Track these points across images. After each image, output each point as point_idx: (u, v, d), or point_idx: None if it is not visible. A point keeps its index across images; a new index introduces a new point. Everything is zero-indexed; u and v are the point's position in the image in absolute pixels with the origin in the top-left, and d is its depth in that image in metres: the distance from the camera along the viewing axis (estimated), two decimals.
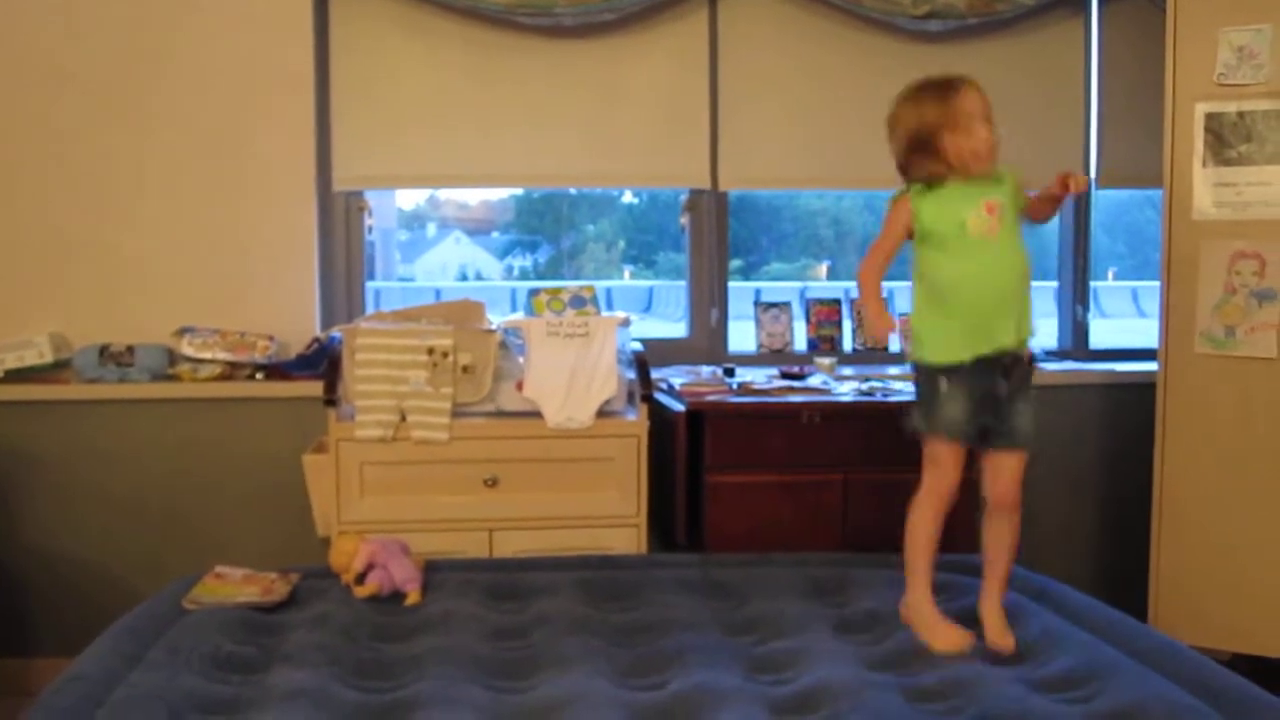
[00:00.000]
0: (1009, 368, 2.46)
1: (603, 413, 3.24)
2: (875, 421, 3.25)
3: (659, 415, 3.31)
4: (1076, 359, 4.11)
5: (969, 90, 2.48)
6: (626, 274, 5.26)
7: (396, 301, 4.00)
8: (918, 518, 2.50)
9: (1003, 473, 2.50)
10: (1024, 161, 3.95)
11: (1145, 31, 3.83)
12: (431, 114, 3.83)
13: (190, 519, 3.66)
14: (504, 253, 5.48)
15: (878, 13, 3.80)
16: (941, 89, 2.49)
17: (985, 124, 2.46)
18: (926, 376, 2.48)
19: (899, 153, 2.51)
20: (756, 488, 3.21)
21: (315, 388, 3.35)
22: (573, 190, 4.61)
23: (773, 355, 4.01)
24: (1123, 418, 3.91)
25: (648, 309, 5.28)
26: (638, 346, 3.45)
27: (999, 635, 2.40)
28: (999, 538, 2.50)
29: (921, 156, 2.47)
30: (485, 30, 3.78)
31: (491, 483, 3.21)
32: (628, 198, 5.12)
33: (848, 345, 4.09)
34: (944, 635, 2.38)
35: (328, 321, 3.81)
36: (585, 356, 3.23)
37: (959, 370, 2.43)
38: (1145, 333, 3.97)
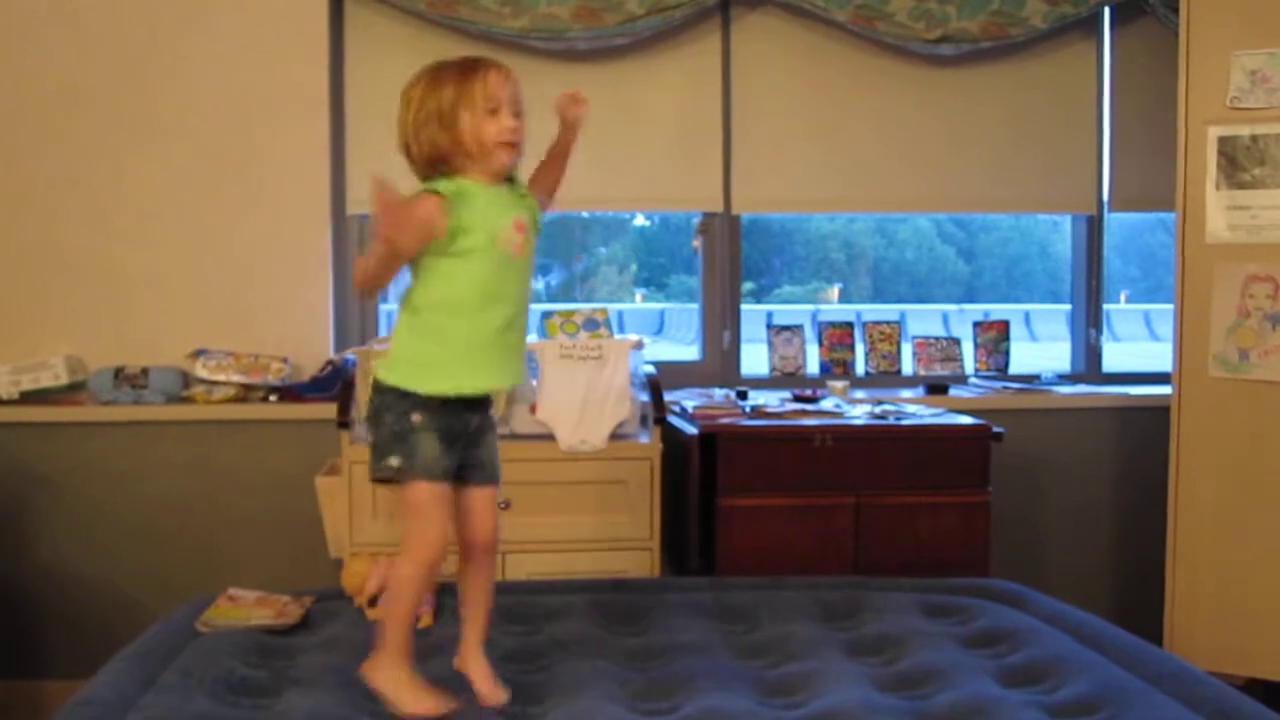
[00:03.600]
0: (481, 401, 2.22)
1: (616, 435, 3.24)
2: (888, 445, 3.25)
3: (672, 438, 3.31)
4: (1089, 382, 4.10)
5: (496, 72, 2.26)
6: (638, 297, 5.27)
7: None
8: (407, 575, 2.12)
9: (479, 511, 2.22)
10: (1037, 185, 4.02)
11: (1158, 54, 3.84)
12: None
13: (203, 541, 3.66)
14: None
15: (891, 37, 3.81)
16: (463, 68, 2.25)
17: (515, 115, 2.24)
18: (395, 406, 2.11)
19: (412, 139, 2.20)
20: (769, 511, 3.21)
21: (329, 410, 3.36)
22: (585, 213, 4.62)
23: (785, 378, 4.01)
24: (1136, 441, 3.90)
25: (659, 331, 5.30)
26: (651, 369, 3.46)
27: (490, 689, 2.18)
28: (479, 585, 2.26)
29: (438, 141, 2.17)
30: (499, 54, 3.73)
31: (504, 505, 3.20)
32: (640, 221, 5.14)
33: (860, 368, 4.09)
34: (418, 700, 2.10)
35: (341, 344, 3.82)
36: (598, 379, 3.23)
37: (436, 403, 2.11)
38: (1158, 356, 3.97)
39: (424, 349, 2.13)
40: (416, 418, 2.10)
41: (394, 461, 2.10)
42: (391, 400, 2.12)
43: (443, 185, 2.13)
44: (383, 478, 2.14)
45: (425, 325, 2.14)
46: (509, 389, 2.19)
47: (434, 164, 2.19)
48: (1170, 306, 3.44)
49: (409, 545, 2.12)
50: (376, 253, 2.10)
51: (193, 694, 2.20)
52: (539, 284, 5.27)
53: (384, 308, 3.97)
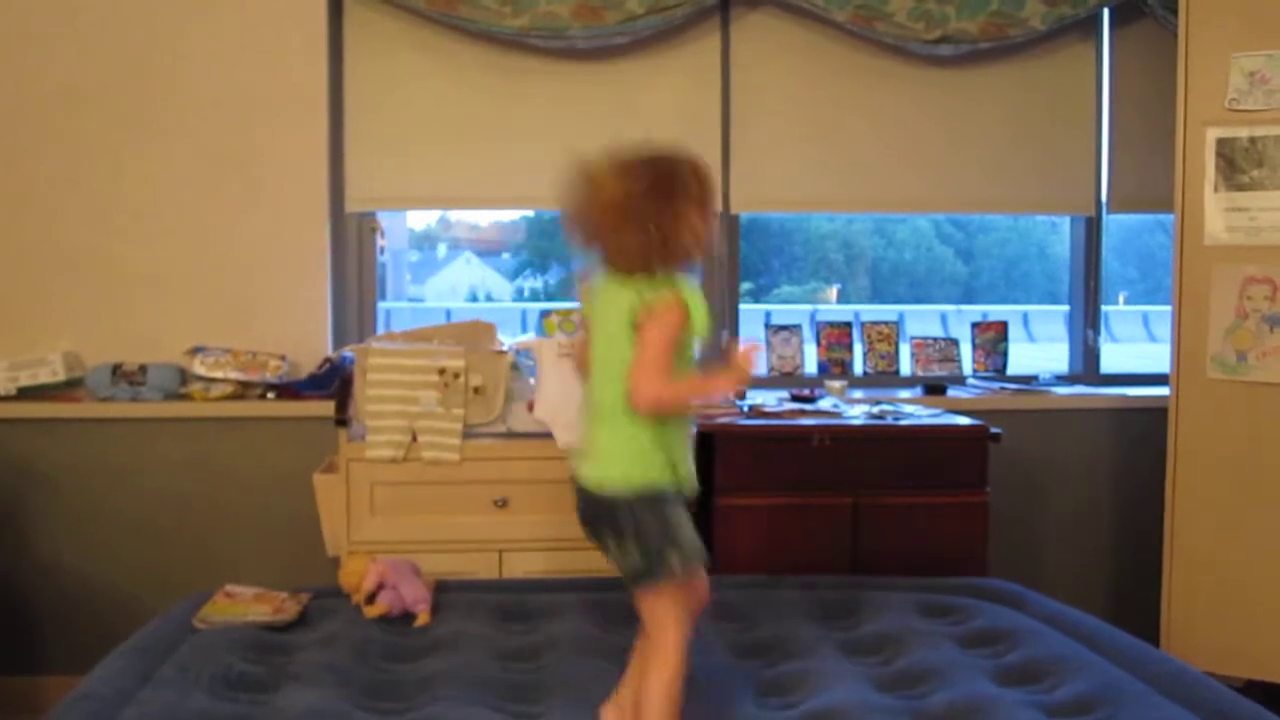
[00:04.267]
0: None
1: None
2: (886, 445, 3.25)
3: None
4: (1087, 384, 4.10)
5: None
6: None
7: (407, 322, 4.01)
8: (673, 677, 2.03)
9: (702, 574, 2.17)
10: (1035, 186, 4.02)
11: (1157, 56, 3.84)
12: (444, 135, 3.84)
13: (201, 537, 3.66)
14: (515, 274, 5.49)
15: (890, 37, 3.81)
16: (695, 170, 2.09)
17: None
18: (654, 505, 2.05)
19: (650, 231, 2.02)
20: (766, 510, 3.21)
21: (326, 407, 3.36)
22: None
23: (783, 378, 4.01)
24: (1134, 443, 3.90)
25: None
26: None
27: None
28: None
29: (679, 237, 2.04)
30: (499, 53, 3.80)
31: (502, 503, 3.21)
32: None
33: (858, 368, 4.09)
34: None
35: (339, 341, 3.82)
36: None
37: (676, 492, 2.08)
38: (1156, 358, 3.97)
39: (665, 443, 2.06)
40: (674, 507, 2.07)
41: (675, 560, 2.04)
42: (647, 502, 2.05)
43: (691, 295, 2.04)
44: (662, 579, 2.05)
45: (653, 421, 2.05)
46: None
47: (655, 257, 2.04)
48: (1168, 308, 3.45)
49: (676, 645, 2.04)
50: (700, 389, 2.13)
51: (190, 689, 2.20)
52: (537, 283, 5.27)
53: (382, 305, 3.97)
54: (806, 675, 2.34)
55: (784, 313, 4.47)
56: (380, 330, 3.91)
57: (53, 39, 3.64)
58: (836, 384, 3.73)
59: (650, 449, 2.05)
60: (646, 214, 2.02)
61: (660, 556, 2.03)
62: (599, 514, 2.09)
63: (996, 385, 3.97)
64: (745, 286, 4.19)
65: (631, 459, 2.05)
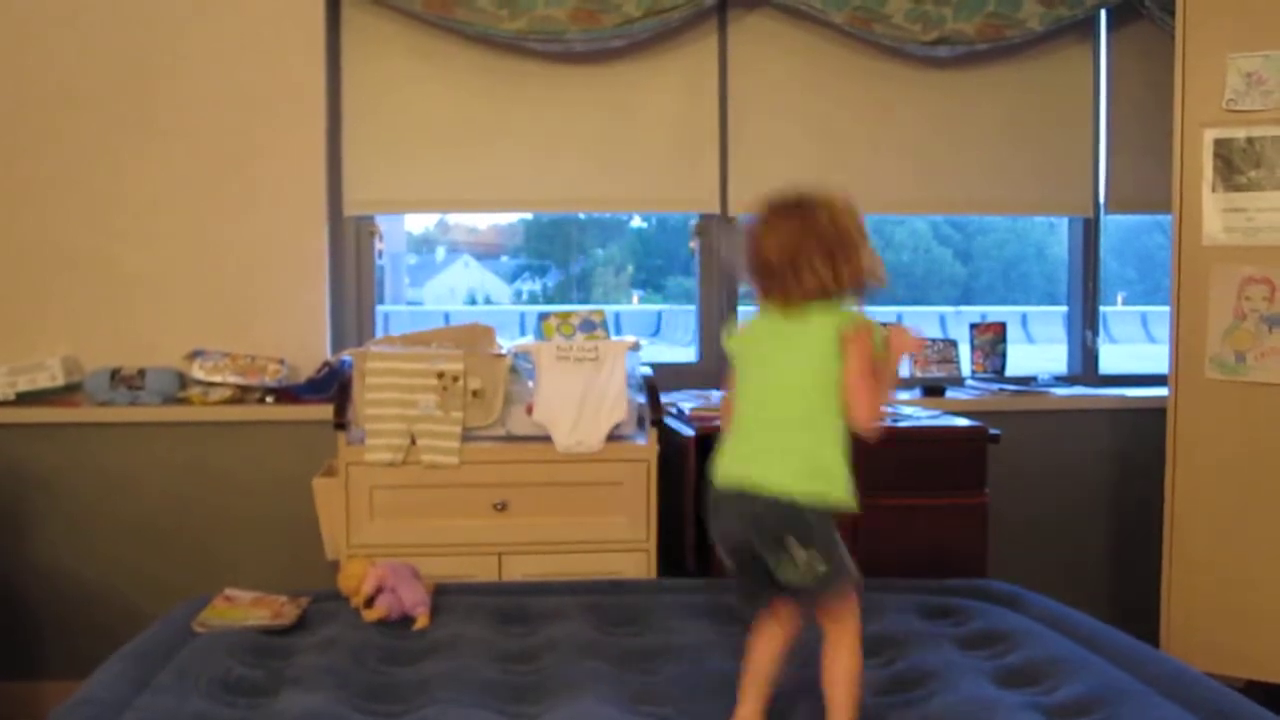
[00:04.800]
0: None
1: (612, 437, 3.24)
2: (885, 447, 3.24)
3: (668, 440, 3.31)
4: (1086, 384, 4.11)
5: None
6: (635, 298, 5.27)
7: (406, 325, 4.01)
8: (860, 664, 2.19)
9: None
10: (1033, 187, 4.02)
11: (1154, 57, 3.85)
12: (442, 139, 3.85)
13: (200, 542, 3.66)
14: (513, 277, 5.49)
15: (887, 39, 3.81)
16: (849, 202, 2.29)
17: None
18: (827, 522, 2.16)
19: (850, 261, 2.19)
20: None
21: (325, 411, 3.36)
22: (582, 215, 4.63)
23: None
24: (1132, 443, 3.90)
25: (656, 333, 5.29)
26: (647, 371, 3.46)
27: None
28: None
29: (859, 267, 2.21)
30: (496, 56, 3.80)
31: (501, 507, 3.21)
32: (637, 222, 5.14)
33: None
34: None
35: (338, 345, 3.82)
36: (595, 381, 3.23)
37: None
38: (1155, 358, 3.97)
39: (843, 461, 2.20)
40: (833, 526, 2.18)
41: (853, 567, 2.20)
42: (826, 517, 2.16)
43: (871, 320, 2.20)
44: (846, 582, 2.19)
45: (843, 441, 2.20)
46: None
47: (839, 286, 2.18)
48: (1167, 308, 3.45)
49: (854, 639, 2.20)
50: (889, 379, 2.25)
51: (189, 694, 2.20)
52: (535, 285, 5.27)
53: (380, 309, 3.97)
54: (805, 677, 2.34)
55: None
56: (379, 334, 3.91)
57: (51, 43, 3.64)
58: None
59: (847, 467, 2.19)
60: (845, 244, 2.19)
61: (844, 563, 2.18)
62: (782, 522, 2.13)
63: (995, 386, 3.97)
64: (744, 290, 4.19)
65: (837, 475, 2.17)
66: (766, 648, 2.23)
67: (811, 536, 2.13)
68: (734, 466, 2.18)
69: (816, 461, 2.16)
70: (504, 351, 3.33)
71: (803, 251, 2.16)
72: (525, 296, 5.45)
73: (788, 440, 2.18)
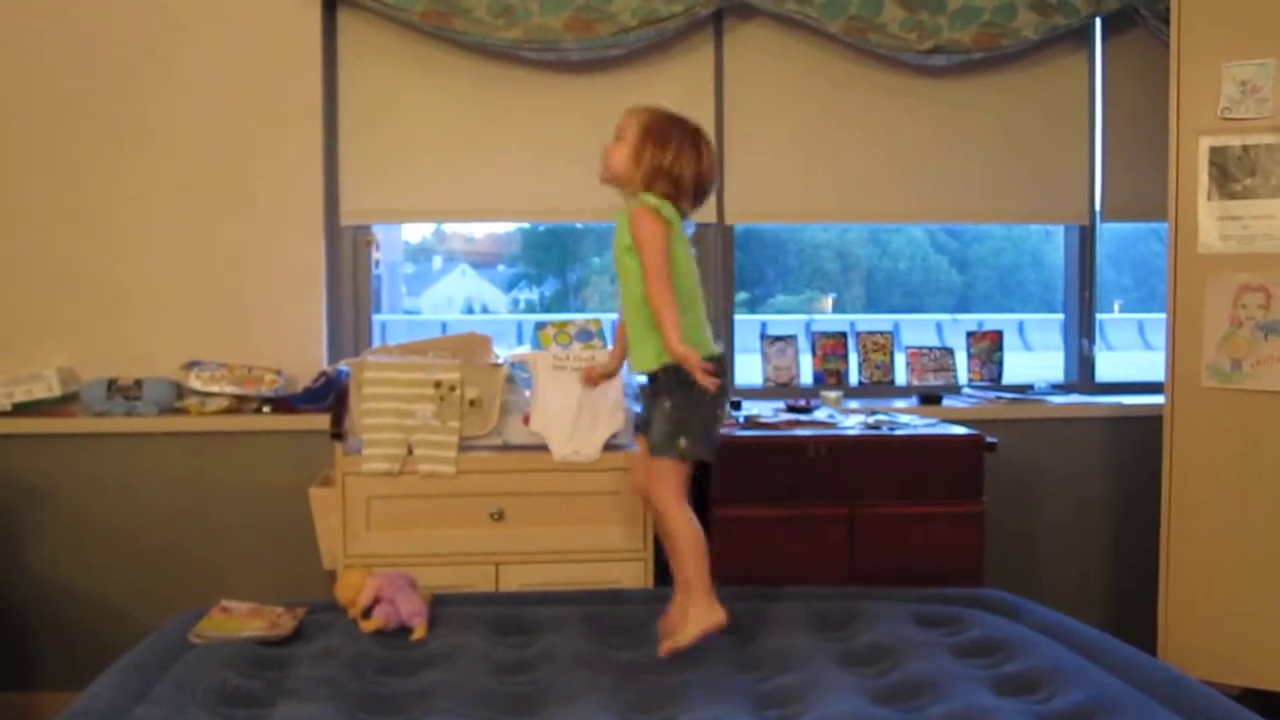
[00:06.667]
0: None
1: (609, 446, 3.24)
2: (881, 455, 3.25)
3: None
4: (1082, 392, 4.11)
5: None
6: None
7: (402, 335, 4.01)
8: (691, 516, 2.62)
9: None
10: (1029, 195, 4.03)
11: (1149, 65, 3.85)
12: (439, 148, 3.85)
13: (196, 552, 3.66)
14: (510, 286, 5.49)
15: (883, 48, 3.82)
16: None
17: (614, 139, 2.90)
18: (684, 379, 2.53)
19: (663, 162, 2.80)
20: (762, 521, 3.21)
21: (322, 421, 3.36)
22: (579, 224, 4.62)
23: (779, 388, 4.02)
24: (1129, 451, 3.90)
25: None
26: (644, 380, 3.45)
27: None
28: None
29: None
30: (492, 65, 3.81)
31: (498, 516, 3.21)
32: None
33: (854, 378, 4.10)
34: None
35: (334, 355, 3.82)
36: (592, 390, 3.23)
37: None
38: (1151, 366, 3.97)
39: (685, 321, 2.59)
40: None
41: (695, 438, 2.63)
42: (677, 373, 2.58)
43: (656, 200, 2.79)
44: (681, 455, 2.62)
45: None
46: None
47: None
48: (1163, 316, 3.45)
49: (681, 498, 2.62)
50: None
51: (186, 705, 2.20)
52: (532, 295, 5.27)
53: (377, 318, 3.97)
54: (803, 687, 2.34)
55: (779, 323, 4.46)
56: (376, 343, 3.91)
57: (46, 51, 3.65)
58: (832, 394, 3.73)
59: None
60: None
61: (675, 439, 2.58)
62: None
63: (992, 394, 3.97)
64: (740, 297, 4.20)
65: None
66: None
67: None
68: (709, 335, 2.65)
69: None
70: (501, 361, 3.33)
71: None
72: (522, 305, 5.45)
73: None
